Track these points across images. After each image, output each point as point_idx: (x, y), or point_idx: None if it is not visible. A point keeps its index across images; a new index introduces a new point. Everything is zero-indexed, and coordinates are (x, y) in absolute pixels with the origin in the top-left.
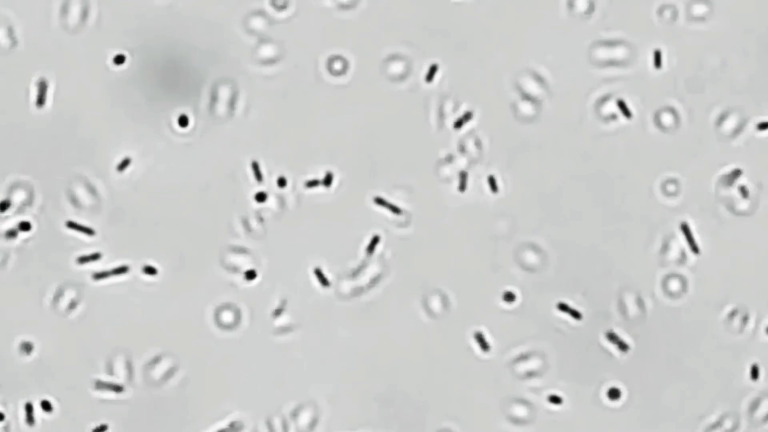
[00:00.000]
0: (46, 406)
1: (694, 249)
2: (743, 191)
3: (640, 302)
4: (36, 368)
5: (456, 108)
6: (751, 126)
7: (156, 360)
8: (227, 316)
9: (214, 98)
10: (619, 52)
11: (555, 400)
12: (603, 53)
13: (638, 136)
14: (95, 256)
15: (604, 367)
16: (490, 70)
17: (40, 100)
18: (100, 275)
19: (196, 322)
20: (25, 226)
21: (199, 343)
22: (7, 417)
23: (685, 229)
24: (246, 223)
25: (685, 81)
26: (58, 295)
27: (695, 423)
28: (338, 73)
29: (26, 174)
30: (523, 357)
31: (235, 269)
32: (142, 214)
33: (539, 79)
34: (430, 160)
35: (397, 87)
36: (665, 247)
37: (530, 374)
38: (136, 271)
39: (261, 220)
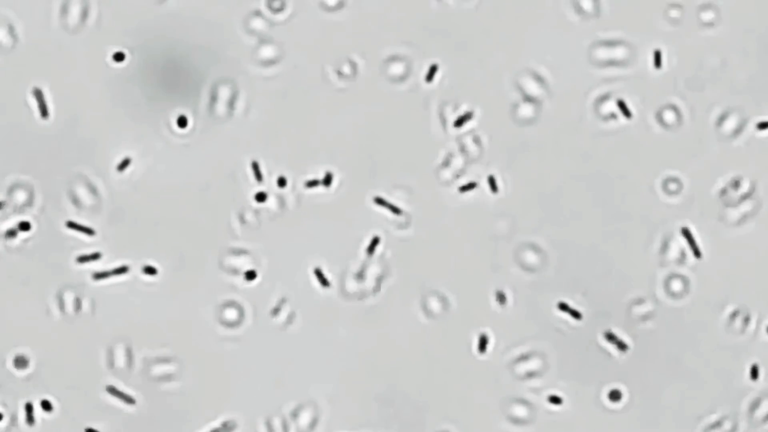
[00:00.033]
0: (46, 406)
1: (696, 253)
2: (743, 192)
3: (640, 302)
4: (36, 368)
5: (456, 108)
6: (751, 126)
7: (156, 360)
8: (227, 316)
9: (213, 98)
10: (619, 52)
11: (555, 400)
12: (603, 53)
13: (638, 136)
14: (95, 256)
15: (604, 368)
16: (490, 70)
17: (44, 112)
18: (100, 275)
19: (196, 322)
20: (25, 226)
21: (199, 343)
22: (7, 417)
23: (687, 234)
24: (243, 220)
25: (685, 81)
26: (59, 295)
27: (695, 423)
28: (346, 77)
29: (26, 174)
30: (523, 357)
31: (235, 270)
32: (142, 214)
33: (539, 79)
34: (430, 160)
35: (397, 87)
36: (665, 247)
37: (530, 374)
38: (136, 271)
39: (257, 213)
